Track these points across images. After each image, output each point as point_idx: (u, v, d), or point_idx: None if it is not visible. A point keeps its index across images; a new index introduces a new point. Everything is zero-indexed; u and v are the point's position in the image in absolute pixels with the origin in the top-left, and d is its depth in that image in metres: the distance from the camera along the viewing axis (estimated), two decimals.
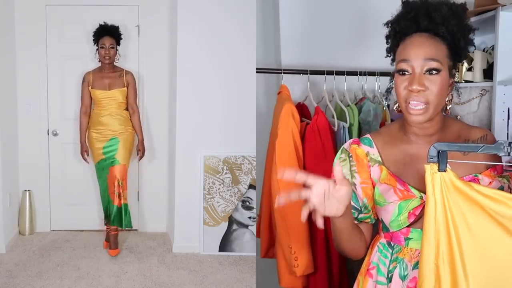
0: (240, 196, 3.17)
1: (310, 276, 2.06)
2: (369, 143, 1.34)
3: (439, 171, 1.05)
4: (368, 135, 1.38)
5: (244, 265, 3.02)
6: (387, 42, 1.33)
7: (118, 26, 3.25)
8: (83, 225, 3.57)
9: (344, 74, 2.28)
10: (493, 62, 2.21)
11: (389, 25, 1.30)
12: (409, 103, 1.18)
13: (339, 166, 1.07)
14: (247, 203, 3.17)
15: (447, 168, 1.05)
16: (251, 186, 3.16)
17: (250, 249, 3.14)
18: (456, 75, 1.35)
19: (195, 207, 3.18)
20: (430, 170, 1.06)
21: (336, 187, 1.02)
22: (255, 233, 3.01)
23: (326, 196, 1.02)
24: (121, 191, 3.12)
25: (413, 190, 1.24)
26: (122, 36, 3.27)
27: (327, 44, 2.61)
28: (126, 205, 3.14)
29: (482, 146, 1.03)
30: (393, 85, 1.27)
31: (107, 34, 3.16)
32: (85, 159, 3.27)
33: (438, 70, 1.17)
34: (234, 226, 3.18)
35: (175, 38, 3.16)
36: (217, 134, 3.15)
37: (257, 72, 2.44)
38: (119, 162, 3.16)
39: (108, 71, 3.20)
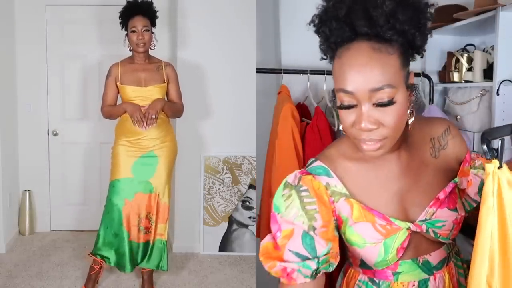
0: (240, 196, 3.17)
1: None
2: (325, 172, 1.03)
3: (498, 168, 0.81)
4: (319, 162, 1.05)
5: (244, 265, 3.02)
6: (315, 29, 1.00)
7: (151, 2, 2.52)
8: (83, 225, 3.57)
9: None
10: (493, 62, 2.21)
11: (315, 25, 0.98)
12: (360, 140, 0.94)
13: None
14: (247, 203, 3.17)
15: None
16: (251, 186, 3.16)
17: (250, 249, 3.14)
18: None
19: (195, 207, 3.18)
20: (493, 170, 0.80)
21: None
22: (255, 233, 3.01)
23: None
24: (150, 225, 2.46)
25: (397, 222, 1.01)
26: (157, 15, 2.55)
27: None
28: (163, 242, 2.49)
29: None
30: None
31: (139, 13, 2.44)
32: (143, 119, 2.34)
33: (391, 101, 0.90)
34: (234, 226, 3.18)
35: (175, 38, 3.16)
36: (217, 134, 3.15)
37: (257, 72, 2.44)
38: (153, 190, 2.45)
39: (143, 62, 2.49)
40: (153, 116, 2.34)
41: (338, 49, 0.94)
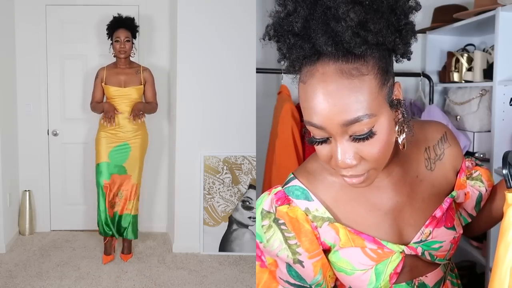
0: (240, 196, 3.17)
1: None
2: (304, 195, 0.91)
3: None
4: (297, 181, 0.93)
5: (244, 265, 3.02)
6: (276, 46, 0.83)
7: (133, 18, 3.06)
8: (83, 225, 3.57)
9: None
10: (493, 62, 2.21)
11: (270, 38, 0.81)
12: (341, 174, 0.83)
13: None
14: (247, 203, 3.17)
15: None
16: (251, 186, 3.16)
17: (250, 249, 3.14)
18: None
19: (195, 207, 3.17)
20: None
21: None
22: (255, 233, 3.01)
23: None
24: (118, 200, 2.98)
25: (389, 245, 0.91)
26: (138, 29, 3.09)
27: None
28: (132, 216, 3.03)
29: None
30: None
31: (122, 26, 2.94)
32: (111, 117, 2.85)
33: (371, 132, 0.76)
34: (234, 226, 3.18)
35: (175, 38, 3.16)
36: (217, 134, 3.15)
37: (257, 72, 2.44)
38: (127, 172, 2.97)
39: (124, 67, 2.98)
40: (140, 112, 2.88)
41: (302, 68, 0.79)
